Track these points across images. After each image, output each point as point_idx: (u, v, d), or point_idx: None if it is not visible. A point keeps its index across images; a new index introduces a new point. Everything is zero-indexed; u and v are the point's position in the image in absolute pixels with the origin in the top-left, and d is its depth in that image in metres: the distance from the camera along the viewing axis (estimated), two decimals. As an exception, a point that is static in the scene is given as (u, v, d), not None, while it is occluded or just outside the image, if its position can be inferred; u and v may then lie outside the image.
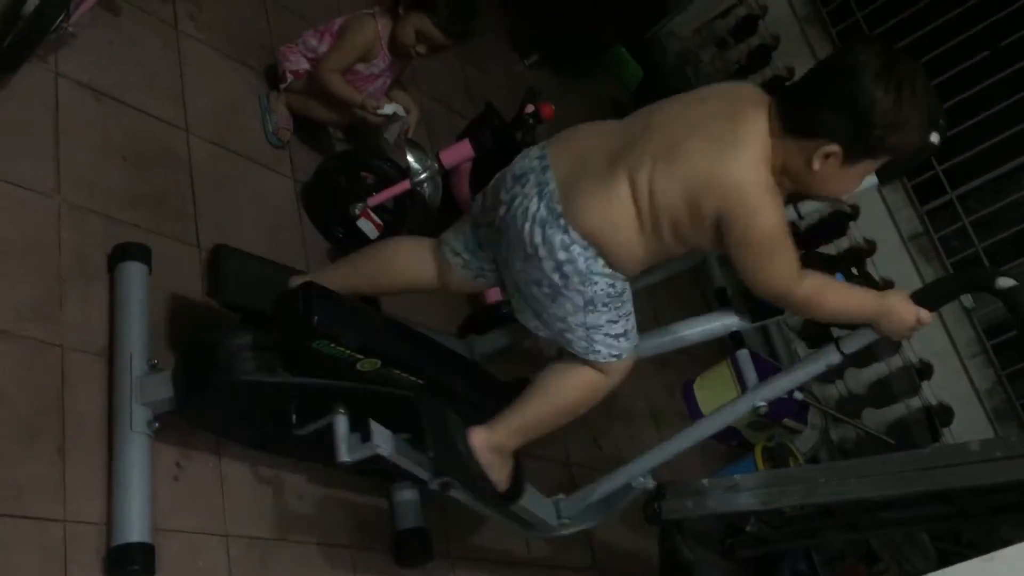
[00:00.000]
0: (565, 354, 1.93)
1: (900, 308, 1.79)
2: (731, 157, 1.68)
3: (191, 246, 2.36)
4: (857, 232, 3.97)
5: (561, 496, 2.31)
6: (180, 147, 2.50)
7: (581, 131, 1.88)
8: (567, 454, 3.10)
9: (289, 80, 2.79)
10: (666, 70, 4.92)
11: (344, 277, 2.07)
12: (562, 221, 1.74)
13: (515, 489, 2.07)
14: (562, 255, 1.76)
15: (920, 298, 1.79)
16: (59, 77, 2.29)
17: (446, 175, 2.74)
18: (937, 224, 3.86)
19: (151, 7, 2.64)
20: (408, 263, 2.09)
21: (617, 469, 2.25)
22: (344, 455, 1.88)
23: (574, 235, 1.75)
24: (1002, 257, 3.69)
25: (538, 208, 1.76)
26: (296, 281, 2.03)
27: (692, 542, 3.00)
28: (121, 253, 2.13)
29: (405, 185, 2.66)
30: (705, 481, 2.74)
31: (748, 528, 2.96)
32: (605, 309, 1.82)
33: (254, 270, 2.09)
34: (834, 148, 1.67)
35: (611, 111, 4.82)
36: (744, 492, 2.67)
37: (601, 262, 1.77)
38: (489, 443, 1.97)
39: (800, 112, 1.68)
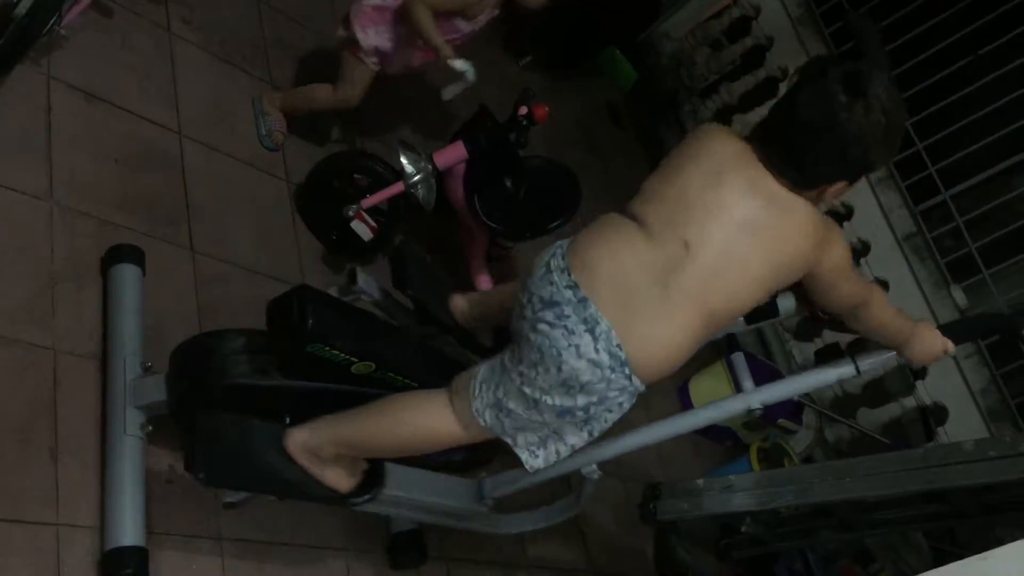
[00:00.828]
0: (443, 391, 1.83)
1: (929, 337, 1.87)
2: (789, 233, 1.67)
3: (184, 248, 2.36)
4: (851, 232, 3.97)
5: (484, 475, 2.21)
6: (173, 150, 2.50)
7: (602, 249, 1.69)
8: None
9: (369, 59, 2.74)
10: (660, 71, 4.93)
11: (495, 301, 2.16)
12: (627, 369, 1.65)
13: (365, 483, 1.94)
14: (613, 394, 1.68)
15: (947, 330, 1.89)
16: (51, 80, 2.29)
17: (440, 177, 2.74)
18: (931, 224, 3.87)
19: (143, 10, 2.64)
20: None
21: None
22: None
23: (636, 381, 1.67)
24: (995, 256, 3.69)
25: (595, 351, 1.63)
26: (456, 298, 2.13)
27: (688, 543, 3.00)
28: (114, 256, 2.13)
29: (399, 187, 2.66)
30: (700, 481, 2.75)
31: (743, 528, 2.96)
32: (588, 435, 1.80)
33: (430, 272, 2.24)
34: (842, 184, 1.70)
35: (605, 114, 4.83)
36: (739, 492, 2.68)
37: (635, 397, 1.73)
38: (305, 445, 1.84)
39: (798, 172, 1.66)
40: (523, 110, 2.66)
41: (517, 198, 2.81)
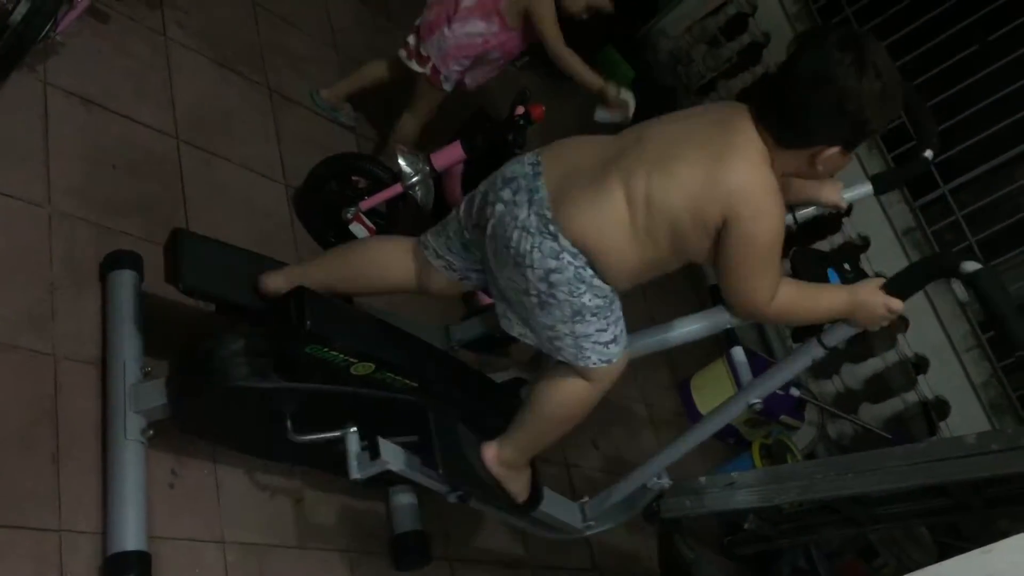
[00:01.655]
0: (553, 362, 1.92)
1: (870, 300, 1.79)
2: (734, 161, 1.68)
3: (183, 253, 2.35)
4: (851, 227, 3.97)
5: (586, 499, 2.39)
6: (170, 154, 2.50)
7: (574, 141, 1.87)
8: (565, 457, 3.10)
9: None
10: (658, 69, 4.92)
11: (322, 275, 2.02)
12: (552, 228, 1.73)
13: (534, 498, 2.14)
14: (551, 263, 1.73)
15: (890, 287, 1.79)
16: (48, 86, 2.29)
17: (438, 178, 2.74)
18: (930, 218, 3.85)
19: (139, 15, 2.64)
20: (389, 264, 2.06)
21: (633, 471, 2.31)
22: (356, 472, 1.92)
23: (564, 242, 1.73)
24: (996, 249, 3.68)
25: (528, 215, 1.74)
26: (271, 277, 2.00)
27: (691, 540, 3.00)
28: (113, 261, 2.13)
29: (397, 188, 2.66)
30: (703, 479, 2.74)
31: (747, 525, 2.97)
32: (594, 318, 1.80)
33: (219, 256, 2.02)
34: (835, 150, 1.69)
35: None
36: (742, 490, 2.67)
37: (590, 272, 1.75)
38: (500, 458, 2.03)
39: (791, 128, 1.68)
40: (520, 110, 2.67)
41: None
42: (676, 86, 4.85)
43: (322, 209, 2.72)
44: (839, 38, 1.63)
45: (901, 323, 3.76)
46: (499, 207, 1.79)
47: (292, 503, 2.23)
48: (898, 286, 1.78)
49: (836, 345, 1.95)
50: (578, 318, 1.79)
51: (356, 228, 2.66)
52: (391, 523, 2.38)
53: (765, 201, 1.67)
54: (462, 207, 1.94)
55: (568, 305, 1.77)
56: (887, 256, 3.85)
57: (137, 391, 1.94)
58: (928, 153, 2.06)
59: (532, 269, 1.75)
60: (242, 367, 1.86)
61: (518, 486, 2.10)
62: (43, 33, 2.13)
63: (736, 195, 1.66)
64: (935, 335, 3.67)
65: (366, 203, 2.66)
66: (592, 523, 2.39)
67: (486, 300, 2.88)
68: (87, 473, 1.89)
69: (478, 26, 2.78)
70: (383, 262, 2.07)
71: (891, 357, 3.83)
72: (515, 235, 1.75)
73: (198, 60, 2.77)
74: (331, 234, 2.72)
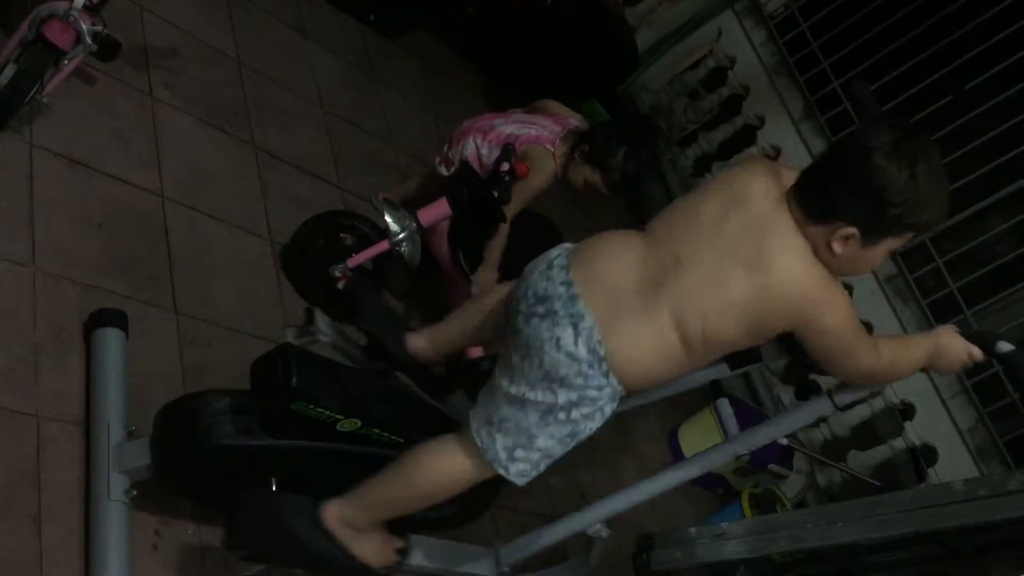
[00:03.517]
0: (446, 433, 1.85)
1: (953, 345, 1.82)
2: (779, 272, 1.66)
3: (168, 311, 2.36)
4: (834, 276, 4.00)
5: (499, 545, 2.21)
6: (156, 213, 2.51)
7: (602, 253, 1.77)
8: (552, 507, 3.08)
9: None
10: (639, 122, 4.99)
11: (454, 334, 2.10)
12: (604, 366, 1.67)
13: (397, 554, 1.98)
14: (592, 393, 1.69)
15: (968, 334, 1.84)
16: (33, 148, 2.31)
17: (424, 234, 2.75)
18: (911, 265, 3.90)
19: (125, 76, 2.67)
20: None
21: (566, 516, 2.17)
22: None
23: (613, 381, 1.69)
24: (977, 296, 3.72)
25: (575, 344, 1.66)
26: (412, 337, 2.09)
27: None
28: (97, 320, 2.13)
29: (384, 245, 2.66)
30: (693, 530, 2.73)
31: (738, 577, 2.94)
32: (570, 443, 1.76)
33: (384, 312, 2.30)
34: (851, 231, 1.65)
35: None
36: (732, 540, 2.66)
37: (615, 407, 1.74)
38: (341, 518, 1.85)
39: (816, 198, 1.66)
40: (505, 166, 2.69)
41: (503, 253, 2.83)
42: (659, 138, 4.91)
43: (309, 267, 2.73)
44: (894, 126, 1.65)
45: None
46: (535, 321, 1.71)
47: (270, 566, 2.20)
48: (974, 338, 1.83)
49: (848, 406, 1.96)
50: (567, 441, 1.75)
51: (343, 285, 2.67)
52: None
53: (824, 293, 1.67)
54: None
55: (570, 426, 1.73)
56: (871, 303, 3.89)
57: (121, 451, 1.93)
58: None
59: (567, 391, 1.69)
60: (227, 425, 1.85)
61: (369, 549, 1.90)
62: (29, 95, 2.15)
63: (796, 303, 1.66)
64: (920, 381, 3.69)
65: (353, 260, 2.67)
66: (507, 570, 2.20)
67: (474, 352, 2.89)
68: (69, 535, 1.87)
69: (487, 148, 2.87)
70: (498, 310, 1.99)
71: (878, 404, 3.85)
72: (559, 357, 1.67)
73: (184, 119, 2.79)
74: (318, 292, 2.72)
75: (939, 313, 3.76)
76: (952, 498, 2.31)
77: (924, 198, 1.62)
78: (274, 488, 1.90)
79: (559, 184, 2.92)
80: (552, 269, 1.75)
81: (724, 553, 2.65)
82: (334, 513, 1.85)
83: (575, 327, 1.67)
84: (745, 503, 3.49)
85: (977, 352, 1.81)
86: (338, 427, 1.89)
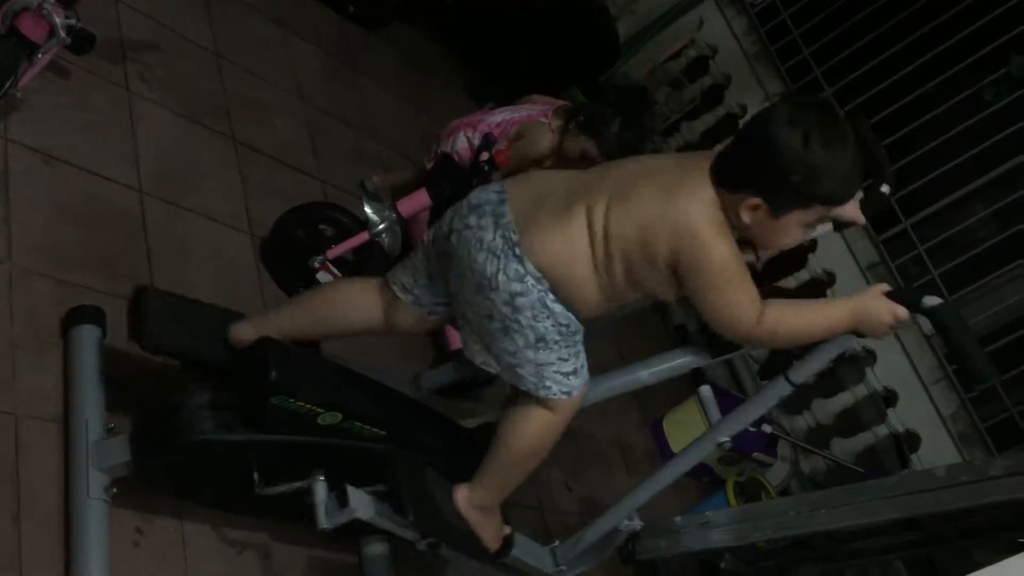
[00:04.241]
0: (514, 397, 1.93)
1: (876, 307, 1.77)
2: (682, 199, 1.72)
3: (147, 306, 2.34)
4: (816, 264, 4.01)
5: (557, 543, 2.38)
6: (134, 207, 2.49)
7: (541, 173, 1.97)
8: (538, 499, 3.08)
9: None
10: (622, 112, 4.98)
11: (289, 321, 2.03)
12: (517, 251, 1.75)
13: (506, 544, 2.12)
14: (516, 286, 1.75)
15: (894, 295, 1.77)
16: (8, 143, 2.28)
17: (404, 225, 2.74)
18: (894, 252, 3.91)
19: (101, 69, 2.64)
20: (355, 305, 2.05)
21: (604, 513, 2.30)
22: (324, 522, 1.89)
23: (529, 266, 1.75)
24: (959, 282, 3.74)
25: (493, 238, 1.77)
26: (239, 327, 1.99)
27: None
28: (74, 317, 2.10)
29: (364, 236, 2.66)
30: (678, 519, 2.74)
31: (723, 565, 2.95)
32: (556, 347, 1.81)
33: (184, 312, 2.01)
34: (756, 200, 1.68)
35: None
36: (717, 528, 2.68)
37: (553, 297, 1.77)
38: (472, 501, 2.01)
39: (726, 167, 1.72)
40: (485, 156, 2.68)
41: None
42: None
43: (289, 259, 2.71)
44: (799, 101, 1.72)
45: (868, 356, 3.80)
46: (465, 232, 1.81)
47: (261, 558, 2.19)
48: (898, 297, 1.77)
49: (804, 382, 1.97)
50: (540, 344, 1.80)
51: (323, 277, 2.66)
52: (364, 574, 2.34)
53: (707, 232, 1.70)
54: (428, 237, 1.97)
55: (531, 331, 1.78)
56: (852, 291, 3.86)
57: (100, 448, 1.91)
58: (885, 188, 2.10)
59: (497, 292, 1.76)
60: (207, 420, 1.84)
61: (490, 531, 2.09)
62: (3, 90, 2.13)
63: (680, 229, 1.70)
64: (902, 368, 3.71)
65: (333, 251, 2.66)
66: (564, 568, 2.37)
67: (455, 340, 2.88)
68: (49, 533, 1.85)
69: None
70: (350, 303, 2.07)
71: (860, 391, 3.86)
72: (480, 257, 1.77)
73: (161, 113, 2.77)
74: (299, 284, 2.70)
75: (921, 300, 3.76)
76: (935, 484, 2.33)
77: (820, 168, 1.63)
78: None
79: (557, 158, 2.92)
80: (490, 185, 1.90)
81: (709, 542, 2.67)
82: (465, 496, 2.01)
83: (495, 225, 1.78)
84: (730, 491, 3.50)
85: (902, 312, 1.75)
86: (319, 420, 1.88)
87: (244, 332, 1.99)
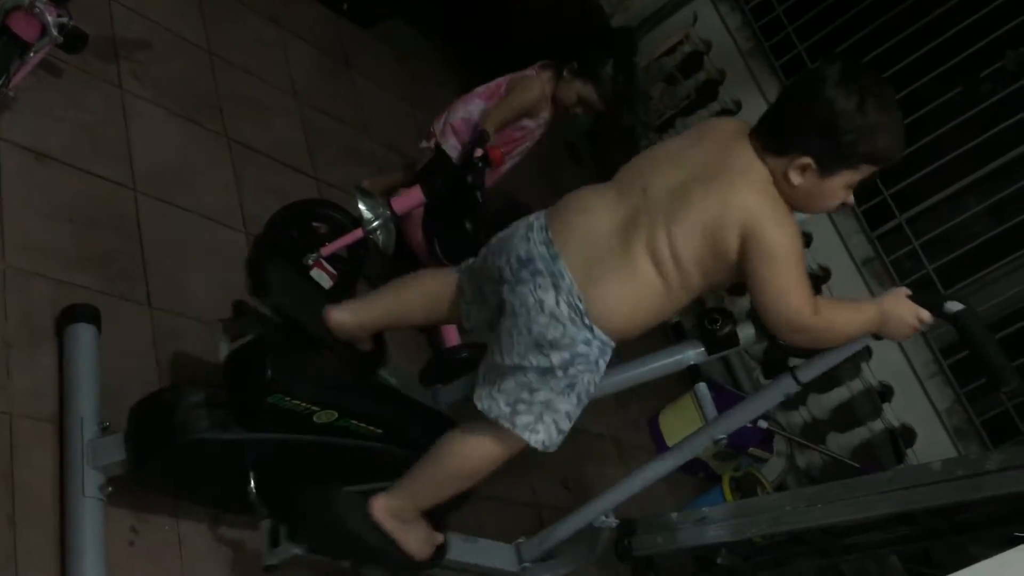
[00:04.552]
0: (470, 418, 1.88)
1: (900, 309, 1.80)
2: (737, 188, 1.70)
3: (142, 305, 2.33)
4: (811, 259, 4.01)
5: (522, 539, 2.30)
6: (127, 206, 2.48)
7: (577, 207, 1.81)
8: (534, 496, 3.08)
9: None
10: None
11: (385, 309, 2.03)
12: (587, 320, 1.71)
13: (438, 550, 2.03)
14: (581, 348, 1.72)
15: (916, 298, 1.81)
16: (1, 142, 2.27)
17: (399, 222, 2.74)
18: (888, 248, 3.91)
19: (94, 68, 2.63)
20: (439, 294, 2.02)
21: (578, 509, 2.24)
22: (266, 560, 1.92)
23: (598, 333, 1.72)
24: (954, 277, 3.74)
25: (557, 303, 1.71)
26: (338, 310, 2.01)
27: (664, 578, 2.98)
28: (69, 315, 2.10)
29: (358, 234, 2.65)
30: (674, 515, 2.75)
31: (720, 560, 2.95)
32: (578, 400, 1.79)
33: (298, 283, 2.15)
34: (807, 160, 1.69)
35: (564, 152, 4.87)
36: (713, 524, 2.68)
37: (609, 357, 1.76)
38: (390, 511, 1.93)
39: (774, 131, 1.72)
40: (478, 152, 2.68)
41: (477, 240, 2.81)
42: (635, 124, 4.90)
43: (283, 256, 2.70)
44: (846, 61, 1.70)
45: (864, 352, 3.80)
46: (520, 288, 1.74)
47: (257, 557, 2.18)
48: (922, 301, 1.79)
49: (810, 380, 1.97)
50: (567, 392, 1.77)
51: (317, 274, 2.65)
52: (357, 574, 2.34)
53: (776, 212, 1.70)
54: (469, 273, 1.96)
55: (569, 381, 1.75)
56: (848, 286, 3.90)
57: (95, 447, 1.90)
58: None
59: (558, 352, 1.72)
60: (203, 419, 1.83)
61: (414, 541, 1.98)
62: (-5, 89, 2.12)
63: (748, 213, 1.68)
64: (897, 363, 3.72)
65: (327, 249, 2.65)
66: (529, 565, 2.29)
67: (452, 339, 2.88)
68: (45, 533, 1.84)
69: (479, 105, 2.94)
70: (433, 293, 2.04)
71: (856, 386, 3.87)
72: (542, 320, 1.71)
73: (155, 111, 2.76)
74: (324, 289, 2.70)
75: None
76: (930, 478, 2.33)
77: (875, 126, 1.67)
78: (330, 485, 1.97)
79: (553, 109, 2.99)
80: (532, 231, 1.78)
81: (706, 537, 2.67)
82: (382, 505, 1.92)
83: (556, 287, 1.71)
84: (726, 487, 3.50)
85: (926, 315, 1.78)
86: (314, 419, 1.88)
87: (341, 315, 2.00)
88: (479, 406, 1.82)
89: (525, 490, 3.03)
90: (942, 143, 3.81)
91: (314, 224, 2.72)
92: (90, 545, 1.83)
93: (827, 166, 1.70)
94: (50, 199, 2.30)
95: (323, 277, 2.65)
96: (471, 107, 2.97)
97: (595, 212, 1.78)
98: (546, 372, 1.74)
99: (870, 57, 4.06)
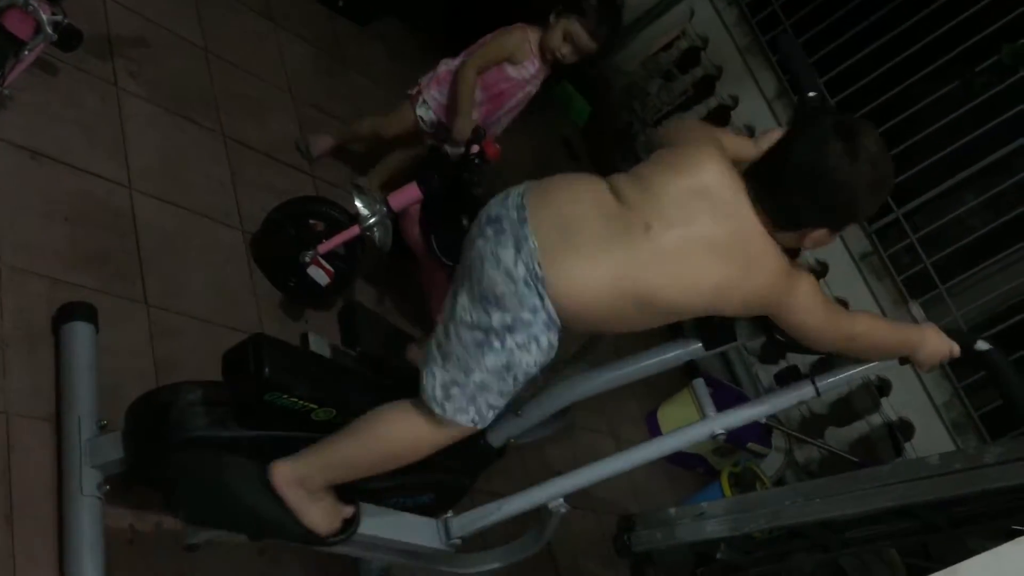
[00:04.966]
0: (404, 397, 1.81)
1: (936, 339, 1.86)
2: (754, 274, 1.71)
3: (139, 303, 2.33)
4: (809, 254, 4.01)
5: (450, 514, 2.10)
6: (123, 204, 2.48)
7: (566, 184, 1.77)
8: (533, 492, 3.07)
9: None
10: (613, 104, 4.98)
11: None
12: (540, 287, 1.65)
13: (345, 524, 1.86)
14: (525, 315, 1.66)
15: (950, 333, 1.88)
16: (-4, 140, 2.27)
17: (395, 218, 2.74)
18: (886, 242, 3.92)
19: (89, 66, 2.62)
20: None
21: (528, 488, 2.07)
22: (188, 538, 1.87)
23: (548, 305, 1.66)
24: (951, 271, 3.75)
25: (515, 264, 1.66)
26: (416, 349, 2.08)
27: (664, 573, 2.99)
28: (66, 314, 2.10)
29: (355, 231, 2.65)
30: (673, 510, 2.75)
31: (719, 555, 2.96)
32: (513, 382, 1.72)
33: (381, 325, 2.24)
34: (822, 232, 1.72)
35: (561, 148, 4.87)
36: (712, 519, 2.68)
37: (555, 340, 1.70)
38: (292, 477, 1.77)
39: (784, 214, 1.70)
40: (475, 149, 2.68)
41: (474, 236, 2.81)
42: (632, 120, 4.90)
43: (280, 254, 2.70)
44: (834, 126, 1.66)
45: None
46: (479, 242, 1.72)
47: (256, 555, 2.19)
48: (955, 335, 1.88)
49: (830, 390, 1.99)
50: (503, 373, 1.70)
51: (314, 271, 2.65)
52: (358, 567, 2.34)
53: (791, 281, 1.72)
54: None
55: (508, 357, 1.69)
56: (846, 281, 3.91)
57: (93, 445, 1.90)
58: (812, 94, 2.03)
59: (501, 312, 1.67)
60: (200, 417, 1.83)
61: (317, 513, 1.80)
62: (-10, 87, 2.12)
63: (767, 297, 1.72)
64: (895, 357, 3.71)
65: (324, 246, 2.65)
66: (458, 540, 2.08)
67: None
68: (42, 532, 1.84)
69: (463, 59, 2.98)
70: None
71: (854, 380, 3.86)
72: (494, 275, 1.67)
73: (150, 109, 2.76)
74: (290, 279, 2.70)
75: (914, 290, 3.78)
76: (929, 472, 2.33)
77: (885, 180, 1.71)
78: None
79: (541, 59, 3.03)
80: (509, 197, 1.75)
81: (704, 532, 2.67)
82: (284, 472, 1.76)
83: (517, 248, 1.66)
84: (725, 482, 3.51)
85: (957, 350, 1.86)
86: (313, 416, 1.87)
87: (419, 353, 2.01)
88: (421, 378, 1.76)
89: (520, 486, 3.02)
90: (939, 137, 3.81)
91: (311, 221, 2.72)
92: (88, 544, 1.83)
93: (837, 227, 1.75)
94: (46, 198, 2.30)
95: (320, 274, 2.64)
96: (455, 61, 3.05)
97: (580, 203, 1.73)
98: (484, 337, 1.68)
99: (866, 52, 4.06)
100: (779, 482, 3.85)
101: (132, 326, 2.28)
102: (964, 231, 3.81)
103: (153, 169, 2.62)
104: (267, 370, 1.77)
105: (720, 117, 4.53)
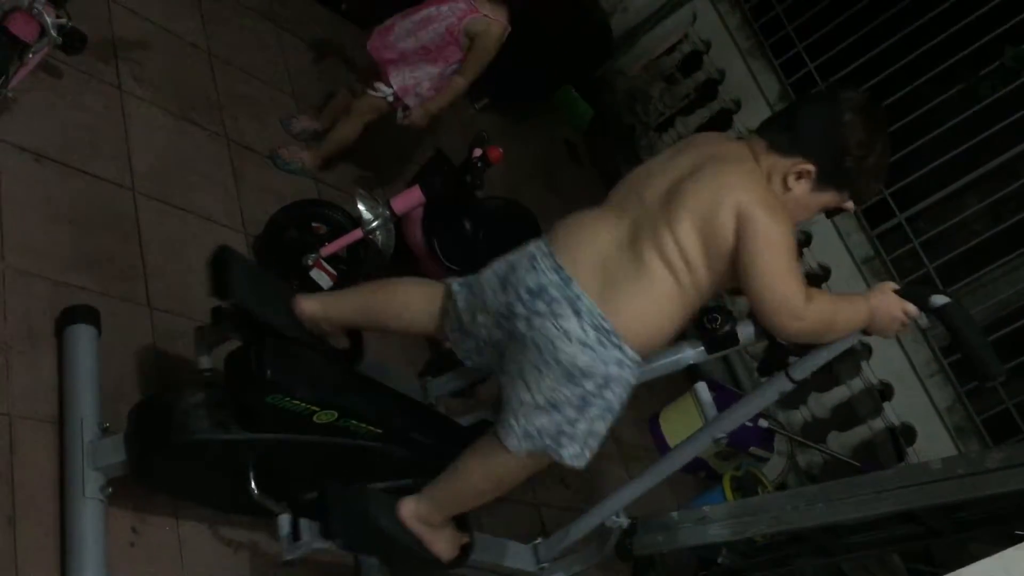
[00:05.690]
0: (493, 436, 1.86)
1: (887, 304, 1.79)
2: (728, 172, 1.74)
3: (142, 305, 2.33)
4: (811, 257, 4.01)
5: (539, 540, 2.33)
6: (127, 207, 2.48)
7: (578, 229, 1.81)
8: (535, 495, 3.08)
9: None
10: (616, 108, 4.98)
11: (351, 307, 2.02)
12: (615, 339, 1.70)
13: (463, 551, 2.06)
14: (613, 370, 1.72)
15: (904, 292, 1.80)
16: (0, 143, 2.27)
17: (398, 222, 2.74)
18: (888, 246, 3.91)
19: (93, 69, 2.63)
20: (416, 308, 2.00)
21: (589, 510, 2.25)
22: (286, 555, 1.89)
23: (628, 351, 1.72)
24: (954, 275, 3.74)
25: (582, 329, 1.69)
26: (307, 301, 1.99)
27: (666, 577, 2.98)
28: (69, 316, 2.10)
29: (357, 234, 2.65)
30: (675, 514, 2.73)
31: (720, 560, 2.95)
32: (611, 417, 1.80)
33: (258, 278, 2.05)
34: (810, 167, 1.73)
35: (563, 152, 4.87)
36: (714, 523, 2.66)
37: (638, 372, 1.77)
38: (418, 515, 1.95)
39: (783, 130, 1.76)
40: (477, 152, 2.68)
41: (476, 240, 2.82)
42: (634, 123, 4.90)
43: (282, 257, 2.71)
44: (868, 95, 1.77)
45: (864, 350, 3.80)
46: (537, 321, 1.72)
47: (256, 557, 2.18)
48: (907, 295, 1.79)
49: (805, 378, 1.97)
50: (608, 416, 1.79)
51: (317, 274, 2.65)
52: (359, 574, 2.34)
53: (768, 199, 1.72)
54: (459, 302, 1.90)
55: (607, 403, 1.76)
56: (848, 285, 3.90)
57: (95, 448, 1.90)
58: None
59: (591, 379, 1.72)
60: (202, 419, 1.83)
61: (441, 544, 2.01)
62: (-6, 90, 2.12)
63: (742, 195, 1.70)
64: (898, 361, 3.72)
65: (326, 249, 2.65)
66: (546, 565, 2.32)
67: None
68: (45, 534, 1.85)
69: (426, 70, 2.94)
70: (411, 305, 2.01)
71: (857, 385, 3.86)
72: (570, 349, 1.69)
73: (154, 112, 2.76)
74: (292, 281, 2.70)
75: (916, 293, 3.77)
76: (931, 477, 2.32)
77: (875, 168, 1.75)
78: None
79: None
80: (537, 260, 1.76)
81: (706, 536, 2.66)
82: (410, 509, 1.93)
83: (576, 312, 1.69)
84: (727, 486, 3.50)
85: (912, 308, 1.78)
86: (315, 419, 1.87)
87: (310, 306, 1.99)
88: (511, 445, 1.80)
89: (525, 488, 3.03)
90: (942, 141, 3.81)
91: (313, 224, 2.72)
92: (90, 546, 1.83)
93: (823, 180, 1.75)
94: (49, 200, 2.30)
95: (323, 277, 2.65)
96: (418, 72, 2.95)
97: (598, 231, 1.78)
98: (583, 401, 1.74)
99: (870, 56, 4.06)
100: (781, 486, 3.84)
101: (135, 329, 2.28)
102: (967, 235, 3.80)
103: (156, 171, 2.62)
104: (269, 373, 1.77)
105: (722, 121, 4.54)
